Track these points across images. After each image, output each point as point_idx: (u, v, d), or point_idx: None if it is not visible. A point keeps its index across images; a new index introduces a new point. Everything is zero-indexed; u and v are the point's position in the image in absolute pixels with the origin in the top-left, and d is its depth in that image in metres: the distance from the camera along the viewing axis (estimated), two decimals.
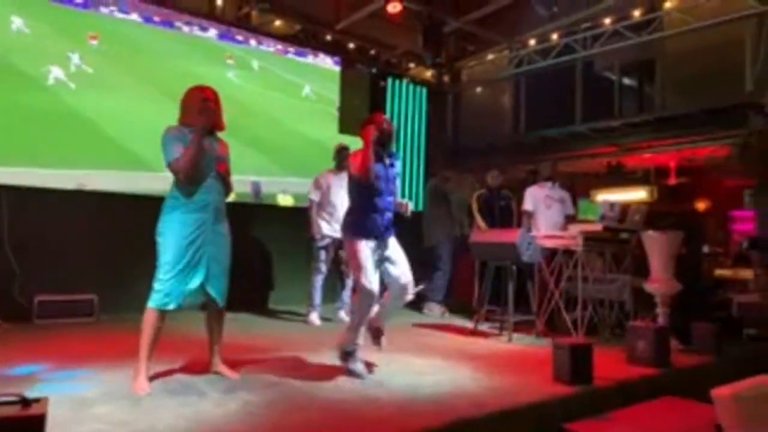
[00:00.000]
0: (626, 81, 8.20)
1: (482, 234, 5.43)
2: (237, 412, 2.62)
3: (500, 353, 4.26)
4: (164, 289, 2.91)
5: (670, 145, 7.13)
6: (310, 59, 7.59)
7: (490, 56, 8.60)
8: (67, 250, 5.16)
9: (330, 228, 5.30)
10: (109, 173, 5.68)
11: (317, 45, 7.58)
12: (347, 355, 3.40)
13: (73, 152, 5.61)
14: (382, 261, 3.44)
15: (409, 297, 3.53)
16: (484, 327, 5.21)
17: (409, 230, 6.96)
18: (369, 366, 3.49)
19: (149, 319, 2.92)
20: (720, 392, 2.09)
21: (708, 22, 6.18)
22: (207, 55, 6.76)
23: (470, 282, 6.10)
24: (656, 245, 4.62)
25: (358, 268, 3.35)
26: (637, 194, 8.04)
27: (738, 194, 7.68)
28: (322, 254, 5.38)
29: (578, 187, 7.84)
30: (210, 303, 3.16)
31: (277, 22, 7.25)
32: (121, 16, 6.16)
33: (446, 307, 6.40)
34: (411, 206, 3.72)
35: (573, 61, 7.59)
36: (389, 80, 8.40)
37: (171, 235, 2.94)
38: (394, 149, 3.68)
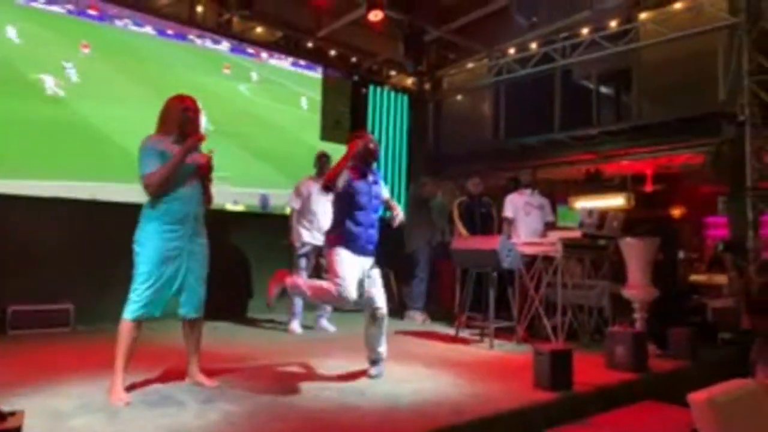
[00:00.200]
0: (604, 90, 8.34)
1: (463, 241, 5.46)
2: (217, 423, 2.59)
3: (481, 360, 4.28)
4: (140, 300, 2.87)
5: (646, 153, 7.27)
6: (305, 70, 7.67)
7: (471, 65, 8.69)
8: (42, 259, 5.06)
9: (310, 235, 5.28)
10: (119, 186, 5.57)
11: (298, 52, 7.58)
12: (283, 291, 3.54)
13: (82, 163, 5.61)
14: (363, 278, 3.45)
15: (383, 321, 3.52)
16: (465, 334, 5.23)
17: (391, 237, 7.01)
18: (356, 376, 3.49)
19: (124, 329, 2.88)
20: (696, 397, 2.12)
21: (681, 33, 6.32)
22: (206, 64, 6.81)
23: (452, 288, 6.13)
24: (633, 252, 4.70)
25: (338, 276, 3.34)
26: (615, 201, 8.16)
27: (712, 201, 7.84)
28: (303, 262, 5.36)
29: (557, 194, 7.93)
30: (187, 315, 3.12)
31: (258, 29, 7.24)
32: (124, 25, 6.17)
33: (428, 314, 6.42)
34: (401, 216, 3.73)
35: (552, 70, 7.70)
36: (371, 88, 8.42)
37: (148, 247, 2.90)
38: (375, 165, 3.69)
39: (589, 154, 7.74)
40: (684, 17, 6.43)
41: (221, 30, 6.88)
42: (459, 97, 9.35)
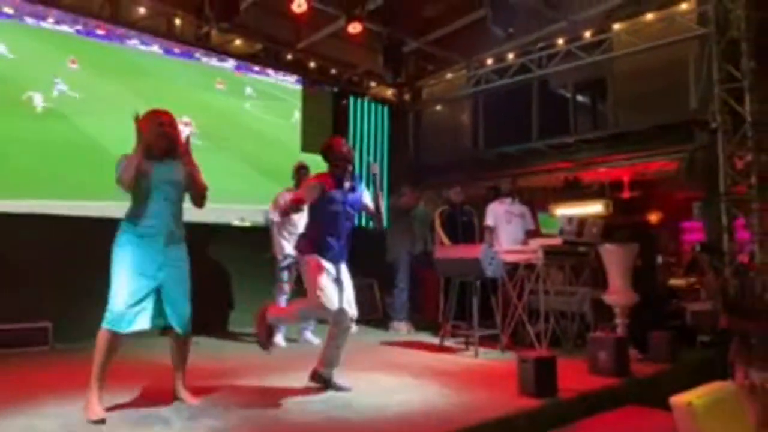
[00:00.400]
0: (580, 98, 8.49)
1: (446, 250, 5.49)
2: None
3: (467, 368, 4.30)
4: (117, 311, 2.83)
5: (622, 160, 7.41)
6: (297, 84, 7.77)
7: (449, 75, 8.79)
8: (19, 276, 4.96)
9: (291, 247, 5.26)
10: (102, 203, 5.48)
11: (278, 64, 7.59)
12: (270, 328, 3.52)
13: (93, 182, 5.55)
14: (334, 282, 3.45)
15: (353, 329, 3.53)
16: (450, 342, 5.24)
17: (373, 246, 7.04)
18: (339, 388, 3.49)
19: (101, 340, 2.84)
20: (677, 400, 2.16)
21: (654, 43, 6.49)
22: (198, 79, 6.90)
23: (435, 298, 6.15)
24: (613, 258, 4.78)
25: (318, 287, 3.33)
26: (594, 208, 8.28)
27: (688, 206, 8.01)
28: (285, 274, 5.34)
29: (537, 202, 8.02)
30: (172, 330, 3.08)
31: (237, 42, 7.24)
32: (110, 40, 6.18)
33: (412, 323, 6.42)
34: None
35: (529, 80, 7.83)
36: (351, 99, 8.46)
37: (121, 262, 2.89)
38: (355, 170, 3.69)
39: (567, 162, 7.87)
40: (656, 28, 6.60)
41: (200, 43, 6.87)
42: (438, 108, 9.44)
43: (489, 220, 5.84)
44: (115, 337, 2.85)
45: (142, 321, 2.91)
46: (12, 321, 4.79)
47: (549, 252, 4.99)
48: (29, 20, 5.67)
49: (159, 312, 2.99)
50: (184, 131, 6.48)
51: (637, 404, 3.51)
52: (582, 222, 5.41)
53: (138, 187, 2.96)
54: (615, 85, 7.38)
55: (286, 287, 5.35)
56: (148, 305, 2.93)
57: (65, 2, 5.86)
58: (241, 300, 6.40)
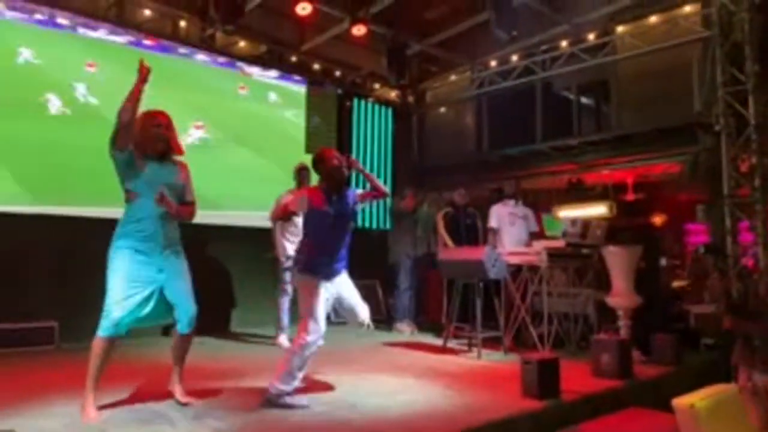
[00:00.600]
0: (584, 100, 8.49)
1: (449, 252, 5.50)
2: None
3: (470, 370, 4.31)
4: (112, 317, 2.82)
5: (626, 163, 7.40)
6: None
7: (453, 77, 8.80)
8: (25, 276, 5.00)
9: (293, 248, 5.25)
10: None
11: (282, 66, 7.62)
12: (286, 396, 3.17)
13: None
14: (335, 299, 3.41)
15: (370, 327, 3.55)
16: (453, 344, 5.26)
17: (376, 248, 7.05)
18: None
19: (96, 347, 2.83)
20: (680, 402, 2.18)
21: (657, 45, 6.49)
22: (220, 83, 6.98)
23: (439, 299, 6.16)
24: (617, 260, 4.78)
25: (309, 311, 3.22)
26: (598, 210, 8.26)
27: (692, 208, 7.99)
28: (288, 275, 5.33)
29: (541, 204, 8.02)
30: (178, 329, 3.10)
31: (242, 44, 7.27)
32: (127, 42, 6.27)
33: (416, 325, 6.44)
34: (356, 162, 3.56)
35: (532, 82, 7.84)
36: (355, 101, 8.48)
37: (117, 269, 2.88)
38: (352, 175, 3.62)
39: (571, 164, 7.87)
40: (659, 30, 6.60)
41: (204, 45, 6.90)
42: (442, 110, 9.46)
43: (492, 222, 5.85)
44: (111, 344, 2.85)
45: (141, 323, 2.93)
46: (18, 320, 4.83)
47: (552, 254, 4.99)
48: (52, 24, 5.74)
49: (164, 311, 3.00)
50: (196, 134, 6.59)
51: (640, 406, 3.51)
52: (586, 224, 5.42)
53: (132, 188, 2.96)
54: (619, 87, 7.38)
55: (289, 288, 5.35)
56: (148, 308, 2.92)
57: (74, 4, 5.91)
58: (245, 300, 6.43)
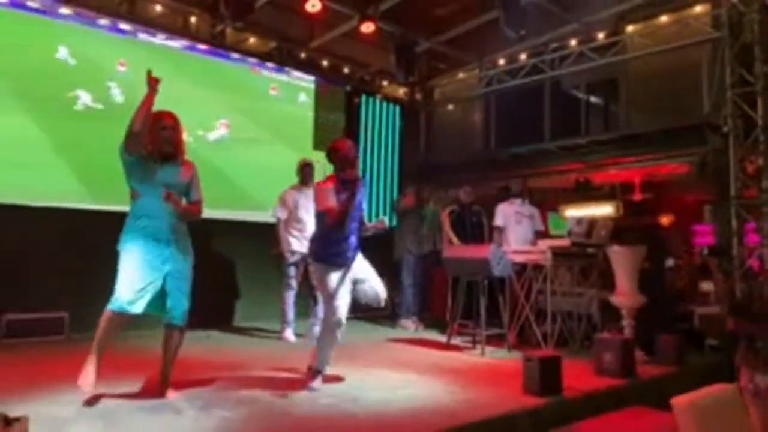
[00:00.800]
0: (593, 99, 8.48)
1: (455, 249, 5.54)
2: (214, 429, 2.64)
3: (473, 366, 4.35)
4: (123, 298, 2.94)
5: (634, 163, 7.39)
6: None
7: (461, 75, 8.81)
8: (36, 267, 5.07)
9: (299, 244, 5.30)
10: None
11: (291, 62, 7.66)
12: (318, 373, 3.49)
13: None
14: (353, 283, 3.55)
15: (382, 303, 3.74)
16: (457, 341, 5.29)
17: (381, 244, 7.07)
18: (338, 380, 3.59)
19: (105, 317, 2.96)
20: (679, 400, 2.19)
21: (666, 46, 6.48)
22: (250, 84, 7.11)
23: (443, 296, 6.20)
24: (621, 259, 4.80)
25: (330, 295, 3.46)
26: (604, 209, 8.26)
27: (699, 209, 7.97)
28: (292, 270, 5.38)
29: (547, 203, 8.03)
30: (168, 322, 3.16)
31: (252, 40, 7.32)
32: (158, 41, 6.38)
33: (420, 321, 6.48)
34: (386, 221, 3.81)
35: (541, 81, 7.83)
36: (363, 98, 8.52)
37: (129, 252, 3.01)
38: (361, 170, 3.76)
39: (579, 163, 7.86)
40: (669, 30, 6.59)
41: (215, 41, 6.96)
42: (450, 107, 9.46)
43: (498, 221, 5.88)
44: (118, 318, 2.96)
45: (145, 306, 3.02)
46: (29, 311, 4.91)
47: (557, 253, 5.02)
48: (84, 23, 5.85)
49: (159, 303, 3.08)
50: (219, 131, 6.67)
51: (643, 406, 3.54)
52: (591, 223, 5.43)
53: (136, 187, 3.07)
54: (628, 86, 7.36)
55: (293, 283, 5.39)
56: (151, 293, 3.03)
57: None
58: (251, 293, 6.48)
